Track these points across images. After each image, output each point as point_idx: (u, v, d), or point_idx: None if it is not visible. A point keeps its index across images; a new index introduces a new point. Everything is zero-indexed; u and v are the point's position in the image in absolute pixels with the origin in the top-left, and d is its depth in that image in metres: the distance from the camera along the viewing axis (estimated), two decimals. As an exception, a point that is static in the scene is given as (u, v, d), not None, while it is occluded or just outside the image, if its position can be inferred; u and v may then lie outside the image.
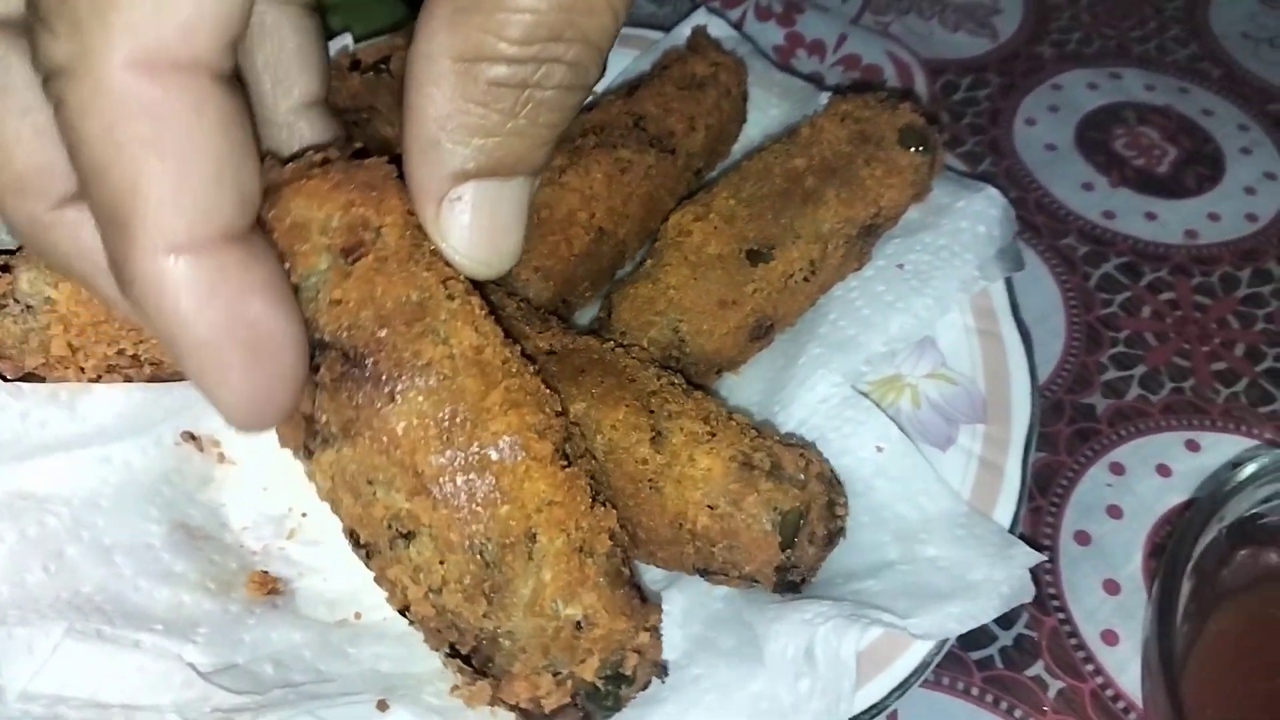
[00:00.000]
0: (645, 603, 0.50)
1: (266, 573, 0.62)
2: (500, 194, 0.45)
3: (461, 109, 0.42)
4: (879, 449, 0.66)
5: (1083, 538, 0.70)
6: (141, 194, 0.36)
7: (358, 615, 0.61)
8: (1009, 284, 0.76)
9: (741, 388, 0.72)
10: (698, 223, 0.69)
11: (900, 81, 0.98)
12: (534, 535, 0.46)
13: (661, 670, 0.52)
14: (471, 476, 0.45)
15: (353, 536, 0.49)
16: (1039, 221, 0.88)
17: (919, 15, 1.04)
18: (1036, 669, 0.65)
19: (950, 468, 0.66)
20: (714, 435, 0.57)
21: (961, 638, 0.58)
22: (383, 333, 0.44)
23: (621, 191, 0.72)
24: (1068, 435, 0.76)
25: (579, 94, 0.43)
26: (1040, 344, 0.81)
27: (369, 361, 0.44)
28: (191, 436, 0.66)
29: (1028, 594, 0.60)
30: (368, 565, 0.49)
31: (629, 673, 0.49)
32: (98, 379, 0.63)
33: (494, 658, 0.47)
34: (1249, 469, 0.66)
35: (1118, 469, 0.74)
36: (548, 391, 0.48)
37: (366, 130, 0.75)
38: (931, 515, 0.64)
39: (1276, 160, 0.93)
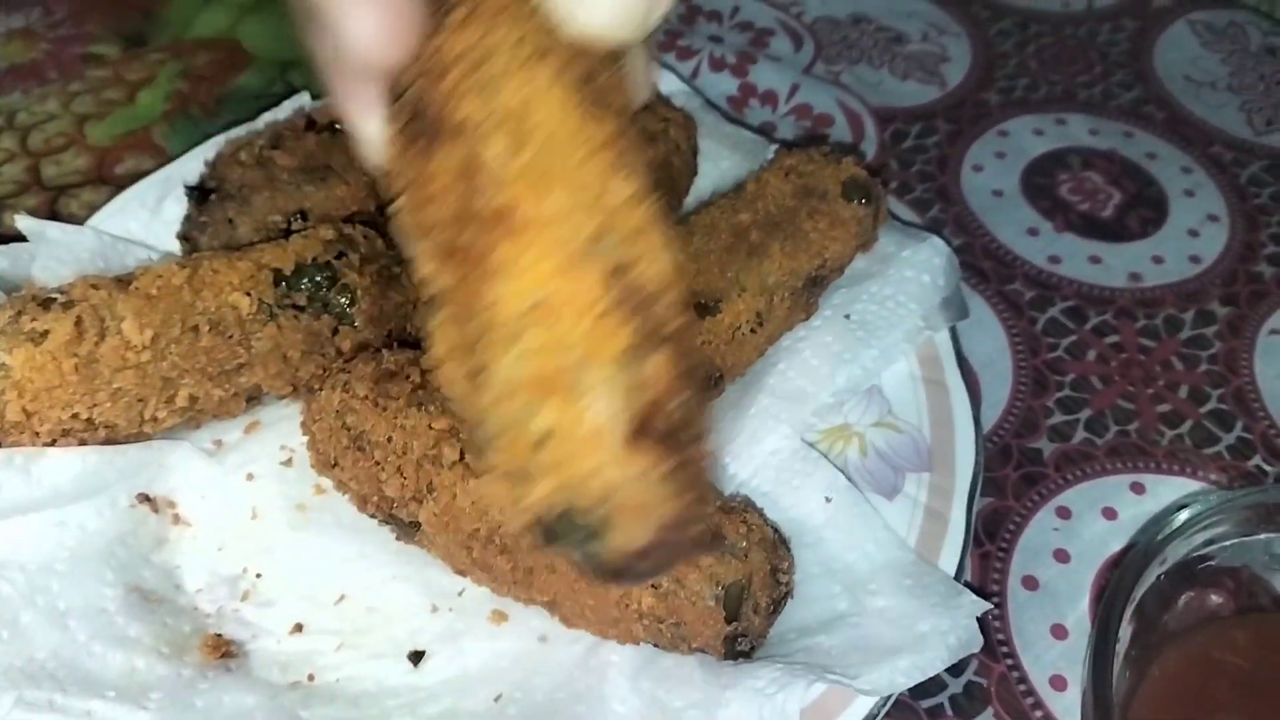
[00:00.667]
0: None
1: (220, 635, 0.62)
2: None
3: None
4: (828, 500, 0.67)
5: (1030, 583, 0.72)
6: None
7: (310, 677, 0.61)
8: (954, 332, 0.78)
9: (694, 439, 0.73)
10: (647, 279, 0.70)
11: (850, 130, 1.00)
12: (522, 325, 0.39)
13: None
14: (477, 243, 0.40)
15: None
16: (986, 267, 0.90)
17: (869, 64, 1.07)
18: (986, 716, 0.66)
19: (897, 516, 0.68)
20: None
21: (912, 687, 0.59)
22: (443, 83, 0.42)
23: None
24: (1015, 480, 0.77)
25: None
26: (988, 389, 0.82)
27: (425, 113, 0.43)
28: (147, 498, 0.67)
29: (976, 644, 0.61)
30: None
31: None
32: (53, 443, 0.64)
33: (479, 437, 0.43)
34: (1186, 513, 0.68)
35: (1064, 513, 0.75)
36: (600, 171, 0.41)
37: (322, 190, 0.76)
38: (880, 565, 0.65)
39: (1219, 202, 0.96)
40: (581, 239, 0.39)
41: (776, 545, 0.60)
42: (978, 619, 0.61)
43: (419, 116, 0.42)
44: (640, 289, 0.39)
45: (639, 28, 0.42)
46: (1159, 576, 0.69)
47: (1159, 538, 0.64)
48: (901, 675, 0.58)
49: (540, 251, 0.39)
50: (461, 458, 0.60)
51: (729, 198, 0.76)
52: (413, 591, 0.65)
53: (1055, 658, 0.68)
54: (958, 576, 0.65)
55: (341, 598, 0.64)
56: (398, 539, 0.65)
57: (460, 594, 0.65)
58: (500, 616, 0.64)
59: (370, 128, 0.46)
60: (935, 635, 0.60)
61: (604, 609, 0.58)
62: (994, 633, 0.69)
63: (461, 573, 0.63)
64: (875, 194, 0.77)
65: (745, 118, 1.00)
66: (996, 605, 0.70)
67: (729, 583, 0.57)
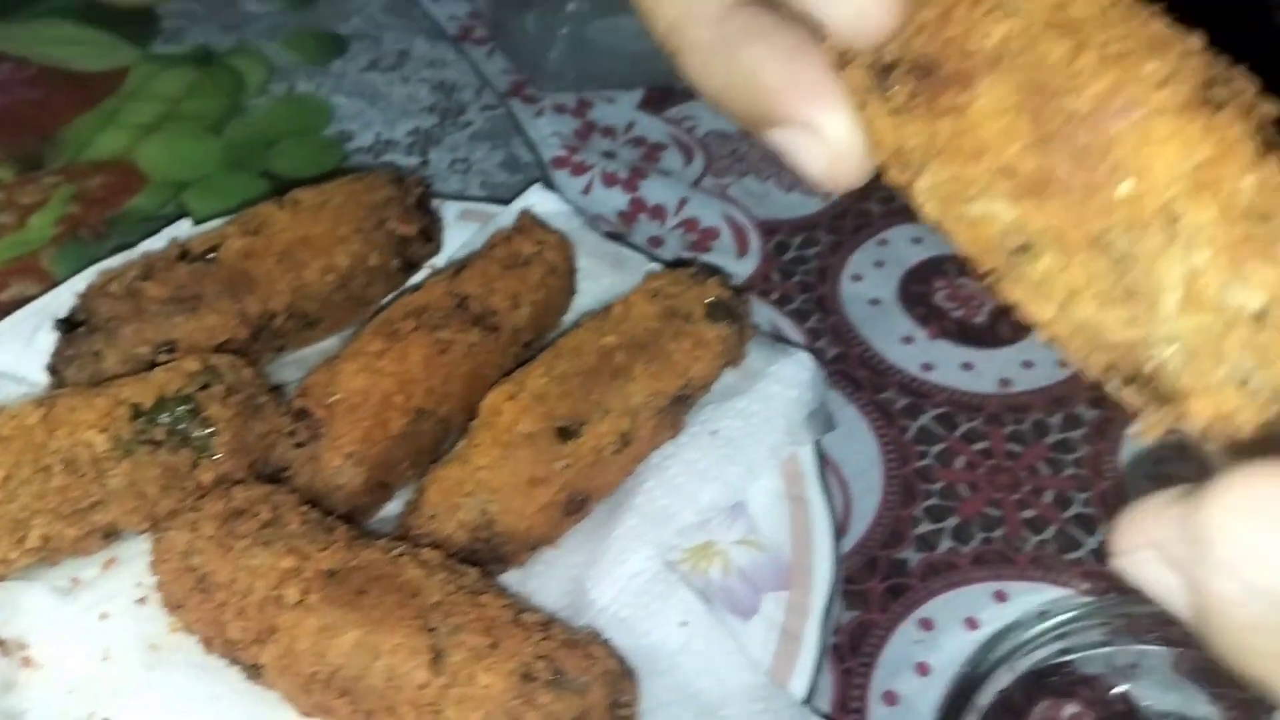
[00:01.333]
0: None
1: (63, 782, 0.61)
2: None
3: None
4: (683, 624, 0.68)
5: (891, 697, 0.72)
6: None
7: (152, 823, 0.61)
8: (819, 445, 0.79)
9: (559, 560, 0.74)
10: (509, 401, 0.72)
11: (735, 242, 1.03)
12: (1173, 210, 0.35)
13: None
14: (1077, 158, 0.36)
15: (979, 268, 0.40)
16: (861, 376, 0.93)
17: (756, 177, 1.10)
18: (844, 836, 0.66)
19: (753, 637, 0.69)
20: (495, 647, 0.58)
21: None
22: (949, 29, 0.38)
23: (441, 371, 0.75)
24: (881, 592, 0.78)
25: None
26: (859, 500, 0.84)
27: (941, 67, 0.38)
28: None
29: (819, 766, 0.62)
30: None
31: None
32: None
33: (1157, 375, 0.37)
34: (1039, 622, 0.69)
35: (927, 624, 0.76)
36: (1169, 31, 0.37)
37: (192, 320, 0.77)
38: (732, 690, 0.65)
39: (1089, 306, 0.99)
40: (1191, 94, 0.34)
41: (620, 678, 0.61)
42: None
43: (929, 73, 0.38)
44: (1266, 115, 0.35)
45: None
46: (1010, 684, 0.70)
47: (998, 650, 0.65)
48: (743, 805, 0.58)
49: (1168, 121, 0.34)
50: (302, 599, 0.60)
51: (597, 319, 0.78)
52: (265, 731, 0.64)
53: (914, 774, 0.69)
54: (810, 697, 0.65)
55: (194, 738, 0.64)
56: (249, 679, 0.65)
57: (314, 733, 0.64)
58: (353, 754, 0.64)
59: (838, 125, 0.39)
60: (777, 761, 0.60)
61: (442, 750, 0.58)
62: (855, 751, 0.70)
63: (307, 715, 0.63)
64: (740, 314, 0.80)
65: (634, 232, 1.03)
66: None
67: None
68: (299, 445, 0.71)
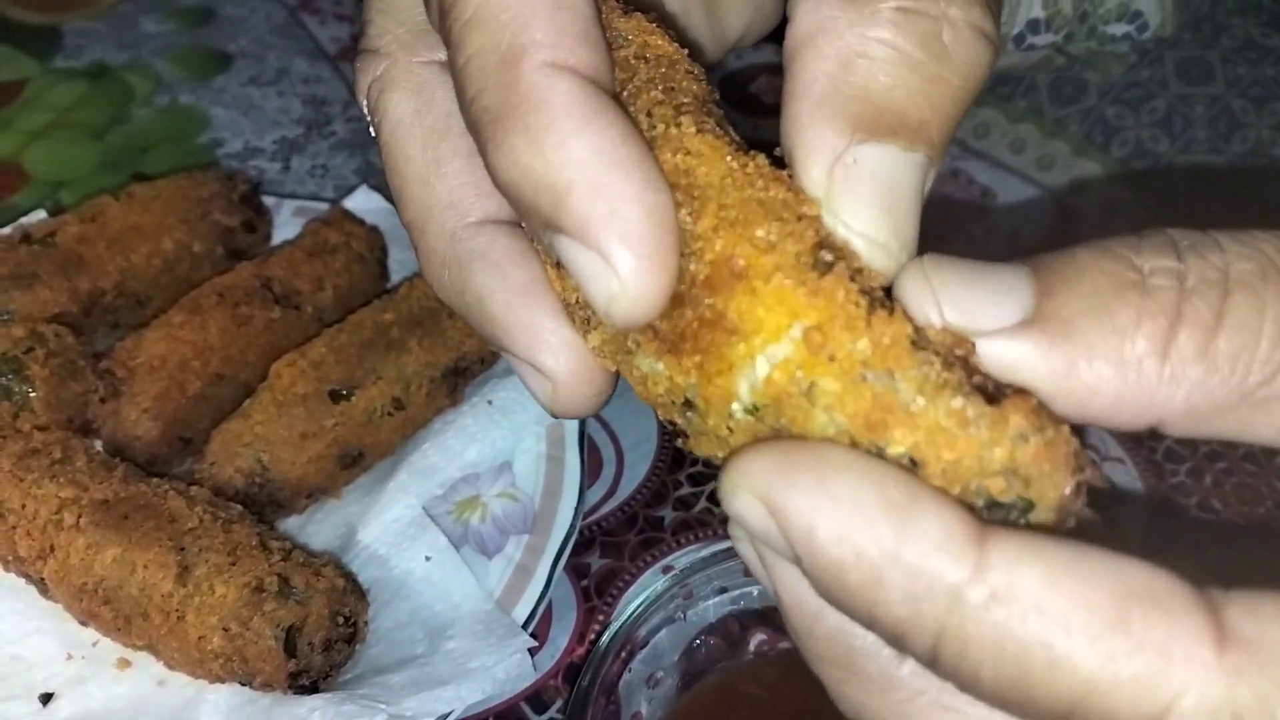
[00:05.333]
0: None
1: None
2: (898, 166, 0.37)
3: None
4: (427, 559, 0.78)
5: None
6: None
7: (-66, 715, 0.70)
8: (583, 421, 0.89)
9: (339, 509, 0.83)
10: (289, 368, 0.82)
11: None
12: (803, 379, 0.35)
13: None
14: (702, 320, 0.36)
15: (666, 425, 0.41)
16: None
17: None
18: (561, 747, 0.76)
19: (493, 572, 0.78)
20: (235, 564, 0.68)
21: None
22: None
23: (240, 342, 0.85)
24: (634, 544, 0.88)
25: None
26: (632, 467, 0.94)
27: None
28: None
29: (526, 678, 0.71)
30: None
31: None
32: None
33: None
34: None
35: (669, 570, 0.86)
36: (790, 195, 0.37)
37: (28, 294, 0.87)
38: (462, 614, 0.75)
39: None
40: (803, 259, 0.35)
41: (346, 594, 0.70)
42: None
43: None
44: (874, 276, 0.37)
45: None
46: (728, 616, 0.79)
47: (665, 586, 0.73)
48: (442, 703, 0.67)
49: (777, 286, 0.35)
50: (76, 522, 0.70)
51: (381, 299, 0.88)
52: (51, 642, 0.74)
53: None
54: (528, 622, 0.75)
55: (-11, 649, 0.73)
56: (41, 594, 0.74)
57: (95, 644, 0.74)
58: (125, 664, 0.73)
59: (558, 366, 0.40)
60: (482, 670, 0.70)
61: (187, 651, 0.68)
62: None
63: (84, 623, 0.72)
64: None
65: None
66: (589, 651, 0.80)
67: (288, 624, 0.67)
68: (102, 401, 0.81)
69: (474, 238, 0.42)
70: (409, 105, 0.44)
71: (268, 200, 1.01)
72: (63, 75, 1.29)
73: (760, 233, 0.36)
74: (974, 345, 0.35)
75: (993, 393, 0.35)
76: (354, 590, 0.71)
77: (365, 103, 0.46)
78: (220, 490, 0.77)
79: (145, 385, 0.81)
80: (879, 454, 0.34)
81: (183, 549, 0.69)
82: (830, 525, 0.32)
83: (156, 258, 0.91)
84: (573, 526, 0.81)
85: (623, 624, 0.69)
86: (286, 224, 1.02)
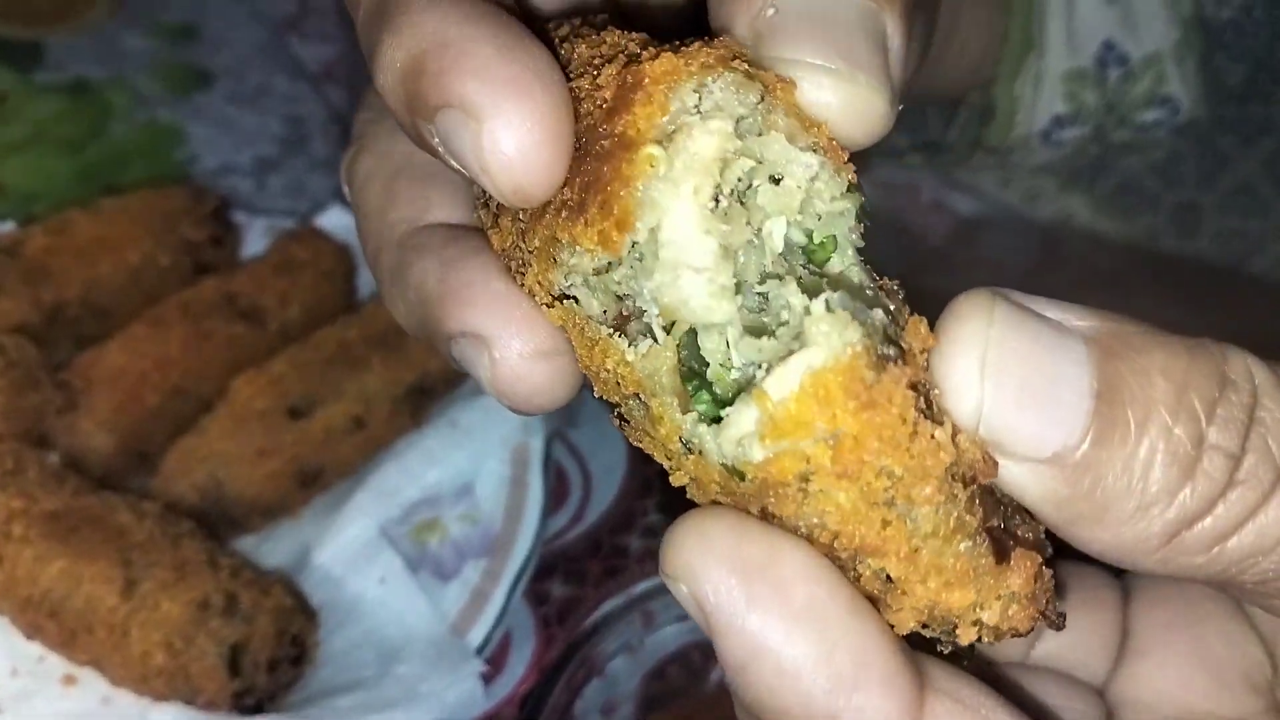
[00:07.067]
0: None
1: None
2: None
3: None
4: (382, 581, 0.76)
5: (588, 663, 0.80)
6: None
7: None
8: (551, 439, 0.88)
9: (295, 529, 0.82)
10: (248, 384, 0.81)
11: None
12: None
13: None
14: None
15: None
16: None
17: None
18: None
19: (450, 596, 0.77)
20: (181, 580, 0.67)
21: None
22: None
23: (200, 356, 0.84)
24: (598, 572, 0.86)
25: None
26: (600, 493, 0.92)
27: None
28: None
29: (476, 704, 0.69)
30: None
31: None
32: None
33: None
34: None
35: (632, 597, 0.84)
36: None
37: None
38: (414, 637, 0.73)
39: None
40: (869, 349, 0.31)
41: (293, 613, 0.69)
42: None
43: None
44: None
45: None
46: (689, 646, 0.78)
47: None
48: (388, 728, 0.66)
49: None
50: (24, 534, 0.69)
51: (346, 318, 0.87)
52: (-4, 657, 0.72)
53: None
54: (483, 648, 0.73)
55: (-67, 664, 0.72)
56: (-14, 609, 0.73)
57: (40, 660, 0.72)
58: (71, 680, 0.71)
59: (502, 333, 0.38)
60: (432, 695, 0.68)
61: (131, 667, 0.66)
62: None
63: (30, 637, 0.71)
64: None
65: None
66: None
67: (232, 643, 0.65)
68: (59, 413, 0.80)
69: (415, 237, 0.42)
70: (372, 161, 0.46)
71: (239, 218, 1.00)
72: (42, 89, 1.29)
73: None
74: (998, 469, 0.32)
75: (1001, 539, 0.33)
76: (302, 610, 0.70)
77: (344, 176, 0.48)
78: (175, 506, 0.76)
79: (102, 398, 0.80)
80: (854, 568, 0.32)
81: (130, 563, 0.67)
82: (768, 681, 0.32)
83: (122, 271, 0.90)
84: (532, 551, 0.80)
85: (575, 646, 0.68)
86: (258, 241, 1.01)
